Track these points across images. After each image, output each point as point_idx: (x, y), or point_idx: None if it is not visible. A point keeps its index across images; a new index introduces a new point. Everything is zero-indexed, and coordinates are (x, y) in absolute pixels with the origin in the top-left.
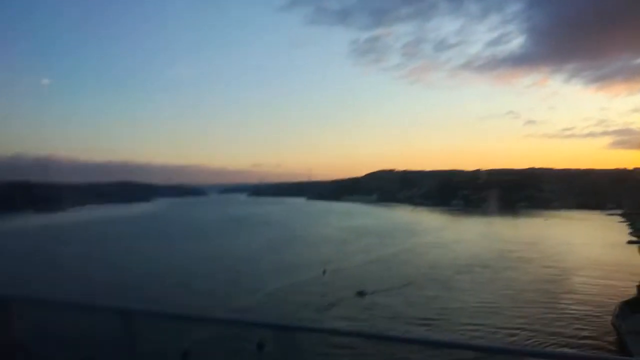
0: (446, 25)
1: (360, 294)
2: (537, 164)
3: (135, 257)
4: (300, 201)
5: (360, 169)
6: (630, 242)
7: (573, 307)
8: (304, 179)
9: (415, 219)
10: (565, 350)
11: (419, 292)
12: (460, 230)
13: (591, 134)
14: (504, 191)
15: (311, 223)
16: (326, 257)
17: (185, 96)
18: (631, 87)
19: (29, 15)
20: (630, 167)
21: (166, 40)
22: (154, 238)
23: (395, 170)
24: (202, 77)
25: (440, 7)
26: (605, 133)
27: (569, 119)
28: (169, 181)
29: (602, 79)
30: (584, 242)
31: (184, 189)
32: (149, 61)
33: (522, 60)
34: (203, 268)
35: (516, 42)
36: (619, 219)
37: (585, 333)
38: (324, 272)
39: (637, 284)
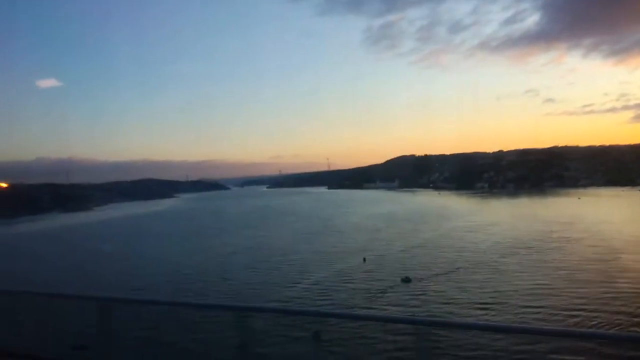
0: (460, 7)
1: (406, 280)
2: (559, 142)
3: (177, 251)
4: (321, 190)
5: (379, 155)
6: None
7: (630, 285)
8: (323, 168)
9: (443, 203)
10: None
11: (468, 276)
12: (492, 213)
13: (612, 109)
14: (528, 171)
15: (338, 212)
16: (362, 245)
17: (198, 91)
18: None
19: (37, 21)
20: None
21: (177, 35)
22: (190, 232)
23: (415, 155)
24: (214, 72)
25: None
26: (626, 107)
27: (588, 95)
28: (189, 177)
29: (621, 52)
30: (623, 219)
31: (204, 184)
32: (161, 58)
33: (538, 38)
34: (242, 260)
35: (531, 19)
36: None
37: None
38: (364, 260)
39: None
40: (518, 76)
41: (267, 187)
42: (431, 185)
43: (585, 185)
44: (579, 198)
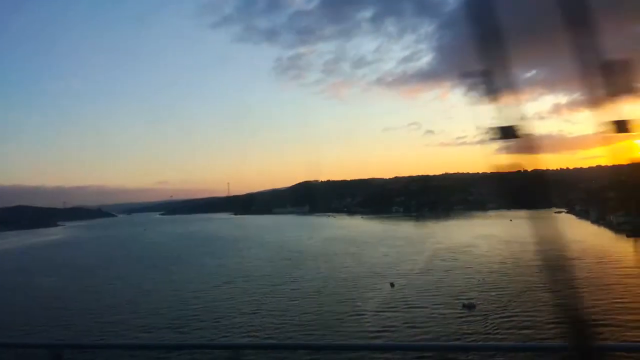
0: (366, 44)
1: (469, 307)
2: (442, 170)
3: (144, 288)
4: (229, 216)
5: (281, 180)
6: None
7: None
8: (220, 193)
9: (383, 227)
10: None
11: (533, 302)
12: (451, 234)
13: (481, 141)
14: (436, 196)
15: (284, 237)
16: (368, 269)
17: (77, 111)
18: (518, 97)
19: None
20: (545, 168)
21: (67, 52)
22: (135, 263)
23: (318, 180)
24: (98, 91)
25: (363, 27)
26: (493, 140)
27: (462, 128)
28: (66, 204)
29: (495, 91)
30: (578, 236)
31: (86, 211)
32: (40, 75)
33: (427, 76)
34: (248, 296)
35: (425, 59)
36: (569, 215)
37: None
38: (392, 285)
39: None
40: (406, 110)
41: (161, 214)
42: (345, 209)
43: (495, 208)
44: (511, 220)
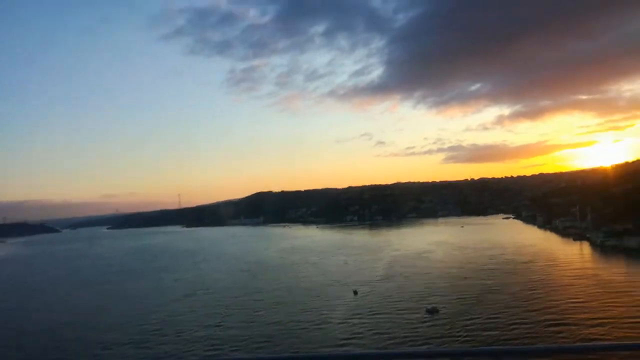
0: (318, 58)
1: (432, 312)
2: (393, 180)
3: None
4: (180, 229)
5: (234, 192)
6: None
7: None
8: (171, 206)
9: (342, 236)
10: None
11: (493, 304)
12: (405, 242)
13: (429, 152)
14: (389, 204)
15: (236, 249)
16: (329, 277)
17: (18, 127)
18: (464, 110)
19: None
20: (489, 176)
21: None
22: (87, 280)
23: (272, 191)
24: (46, 103)
25: (316, 41)
26: (440, 150)
27: (412, 139)
28: (7, 219)
29: (442, 103)
30: (527, 240)
31: (29, 227)
32: None
33: (378, 89)
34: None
35: (376, 73)
36: (517, 221)
37: None
38: (355, 292)
39: None
40: (357, 121)
41: (109, 228)
42: (300, 219)
43: (446, 215)
44: (462, 227)
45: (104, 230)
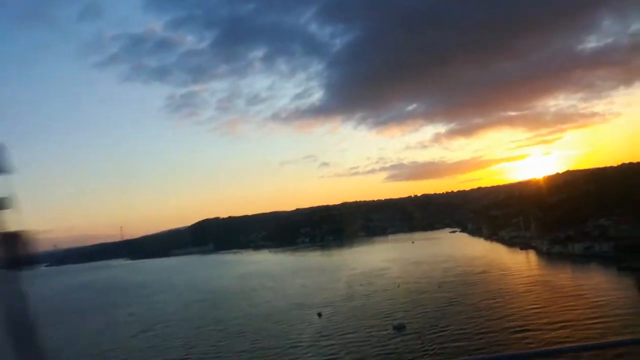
0: (259, 82)
1: (399, 328)
2: (339, 200)
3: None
4: (125, 262)
5: (180, 220)
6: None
7: None
8: (114, 238)
9: (287, 259)
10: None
11: (457, 316)
12: (359, 260)
13: (372, 171)
14: (338, 225)
15: (188, 279)
16: (290, 301)
17: None
18: (403, 129)
19: None
20: (431, 192)
21: None
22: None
23: (219, 217)
24: None
25: (255, 65)
26: (382, 169)
27: (355, 159)
28: None
29: (381, 124)
30: (477, 252)
31: None
32: None
33: (320, 111)
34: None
35: (316, 96)
36: (463, 234)
37: None
38: (319, 314)
39: None
40: (301, 143)
41: (47, 266)
42: (251, 245)
43: (393, 232)
44: (413, 242)
45: (42, 268)
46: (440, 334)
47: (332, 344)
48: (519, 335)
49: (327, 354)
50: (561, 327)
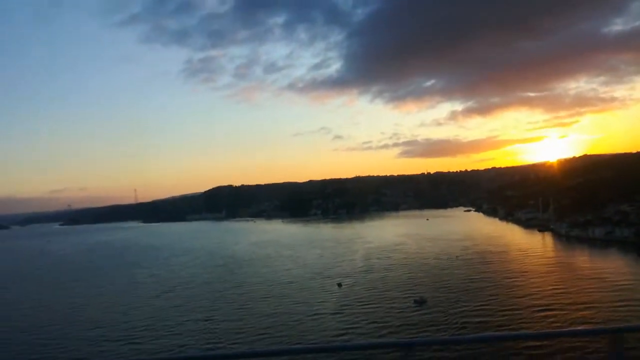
0: (277, 50)
1: (421, 302)
2: (352, 174)
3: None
4: (139, 225)
5: (193, 186)
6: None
7: None
8: (128, 201)
9: (301, 230)
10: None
11: (478, 293)
12: (374, 234)
13: (385, 146)
14: (351, 198)
15: (205, 244)
16: (309, 270)
17: None
18: (419, 105)
19: None
20: (432, 171)
21: None
22: (54, 278)
23: (232, 185)
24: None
25: (275, 32)
26: (396, 144)
27: (368, 133)
28: None
29: (398, 99)
30: (494, 232)
31: None
32: None
33: (336, 83)
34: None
35: (334, 67)
36: (478, 213)
37: None
38: (340, 285)
39: None
40: (315, 115)
41: (61, 225)
42: (264, 214)
43: (405, 209)
44: (427, 219)
45: (56, 226)
46: (462, 309)
47: (355, 313)
48: (542, 314)
49: (351, 321)
50: (585, 308)
